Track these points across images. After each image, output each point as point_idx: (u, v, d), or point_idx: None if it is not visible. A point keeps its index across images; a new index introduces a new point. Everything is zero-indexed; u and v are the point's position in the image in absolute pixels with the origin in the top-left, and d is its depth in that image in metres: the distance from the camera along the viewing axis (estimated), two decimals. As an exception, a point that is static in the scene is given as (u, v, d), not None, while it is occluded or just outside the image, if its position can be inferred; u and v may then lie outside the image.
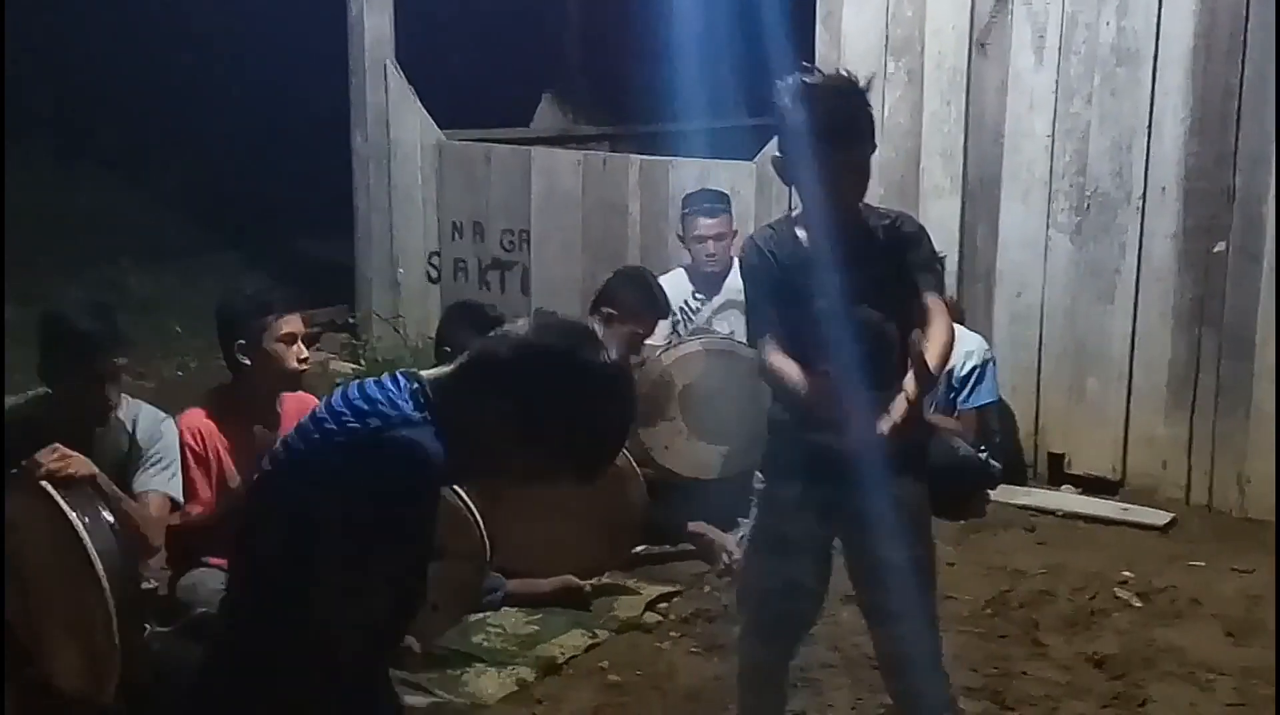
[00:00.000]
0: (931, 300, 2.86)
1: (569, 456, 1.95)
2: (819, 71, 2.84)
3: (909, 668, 2.91)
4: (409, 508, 1.89)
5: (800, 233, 2.86)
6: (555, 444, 1.93)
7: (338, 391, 1.99)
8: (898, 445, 2.78)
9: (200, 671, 2.05)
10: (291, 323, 3.71)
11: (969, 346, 5.11)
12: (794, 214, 2.93)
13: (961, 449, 5.03)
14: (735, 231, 5.48)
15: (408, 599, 2.00)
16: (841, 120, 2.72)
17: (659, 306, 4.93)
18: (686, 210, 5.56)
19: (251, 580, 1.97)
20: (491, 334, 1.98)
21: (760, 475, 3.02)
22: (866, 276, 2.79)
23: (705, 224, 5.41)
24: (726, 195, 5.64)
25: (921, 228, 2.96)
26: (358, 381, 2.01)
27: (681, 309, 5.46)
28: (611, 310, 4.79)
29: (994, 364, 5.22)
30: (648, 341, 5.37)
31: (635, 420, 2.01)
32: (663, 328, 5.41)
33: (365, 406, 1.91)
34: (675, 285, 5.46)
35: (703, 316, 5.48)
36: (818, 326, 2.78)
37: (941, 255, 3.51)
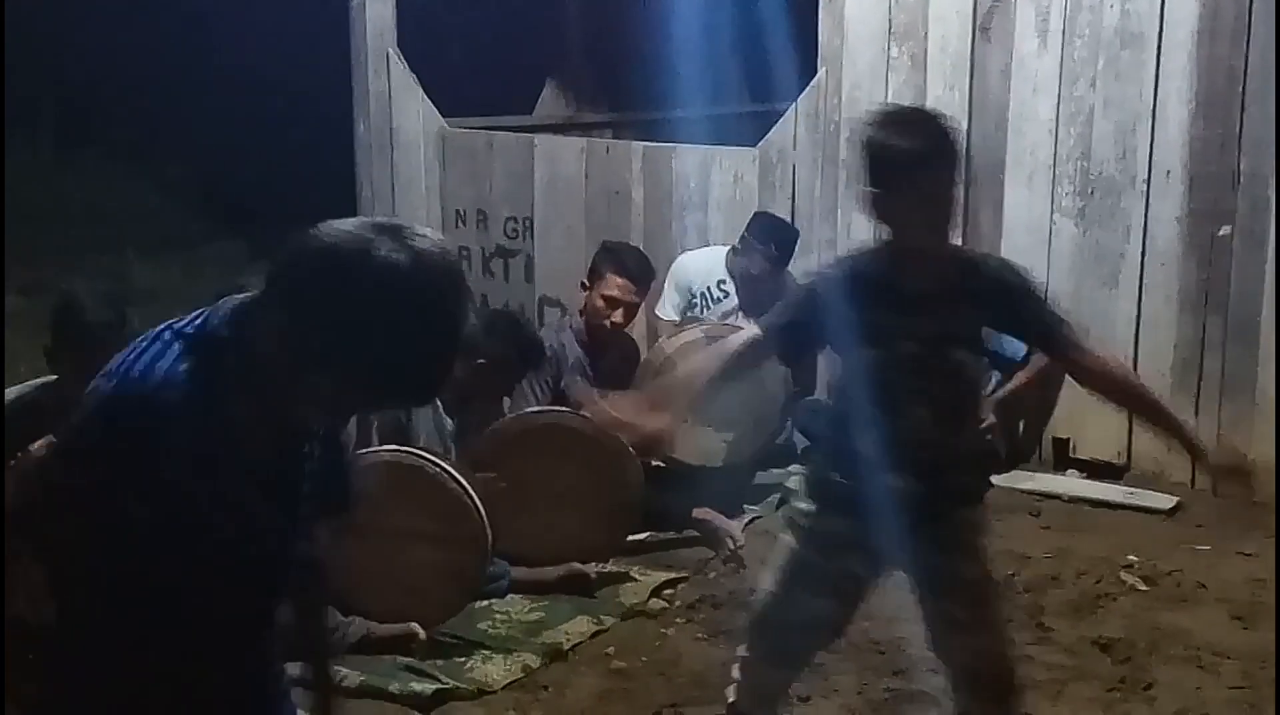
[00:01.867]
0: (1060, 332, 2.72)
1: (377, 373, 1.63)
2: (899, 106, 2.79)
3: (992, 682, 2.84)
4: (154, 456, 1.65)
5: (887, 269, 2.70)
6: (358, 360, 1.61)
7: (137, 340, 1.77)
8: (965, 477, 2.76)
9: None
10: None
11: None
12: (880, 248, 2.76)
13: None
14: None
15: (218, 565, 1.74)
16: (928, 155, 2.60)
17: (629, 270, 4.91)
18: (754, 237, 5.37)
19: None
20: (291, 241, 1.70)
21: (805, 505, 2.87)
22: (953, 317, 2.67)
23: (759, 269, 5.27)
24: (794, 235, 5.48)
25: (1015, 265, 2.81)
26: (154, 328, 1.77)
27: (706, 291, 5.42)
28: (585, 280, 4.96)
29: None
30: (657, 313, 5.39)
31: (455, 324, 1.65)
32: (677, 304, 5.40)
33: (115, 367, 1.70)
34: (709, 264, 5.43)
35: (725, 306, 5.42)
36: (895, 368, 2.67)
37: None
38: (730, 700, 3.04)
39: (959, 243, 2.89)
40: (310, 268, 1.62)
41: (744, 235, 5.37)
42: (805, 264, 5.67)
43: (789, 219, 5.70)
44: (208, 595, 1.76)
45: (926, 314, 2.66)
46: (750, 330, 2.94)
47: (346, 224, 1.67)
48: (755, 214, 5.53)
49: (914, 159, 2.59)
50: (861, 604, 2.97)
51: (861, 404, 2.72)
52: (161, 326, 1.74)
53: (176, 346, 1.68)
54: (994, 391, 5.22)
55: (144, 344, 1.71)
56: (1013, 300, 2.71)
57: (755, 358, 2.96)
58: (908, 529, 2.72)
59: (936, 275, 2.69)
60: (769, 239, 5.27)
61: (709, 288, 5.44)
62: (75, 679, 1.77)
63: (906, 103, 5.47)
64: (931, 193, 2.62)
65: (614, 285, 4.86)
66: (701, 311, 5.39)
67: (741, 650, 3.02)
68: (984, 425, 4.92)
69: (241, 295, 1.74)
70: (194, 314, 1.74)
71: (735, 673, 3.01)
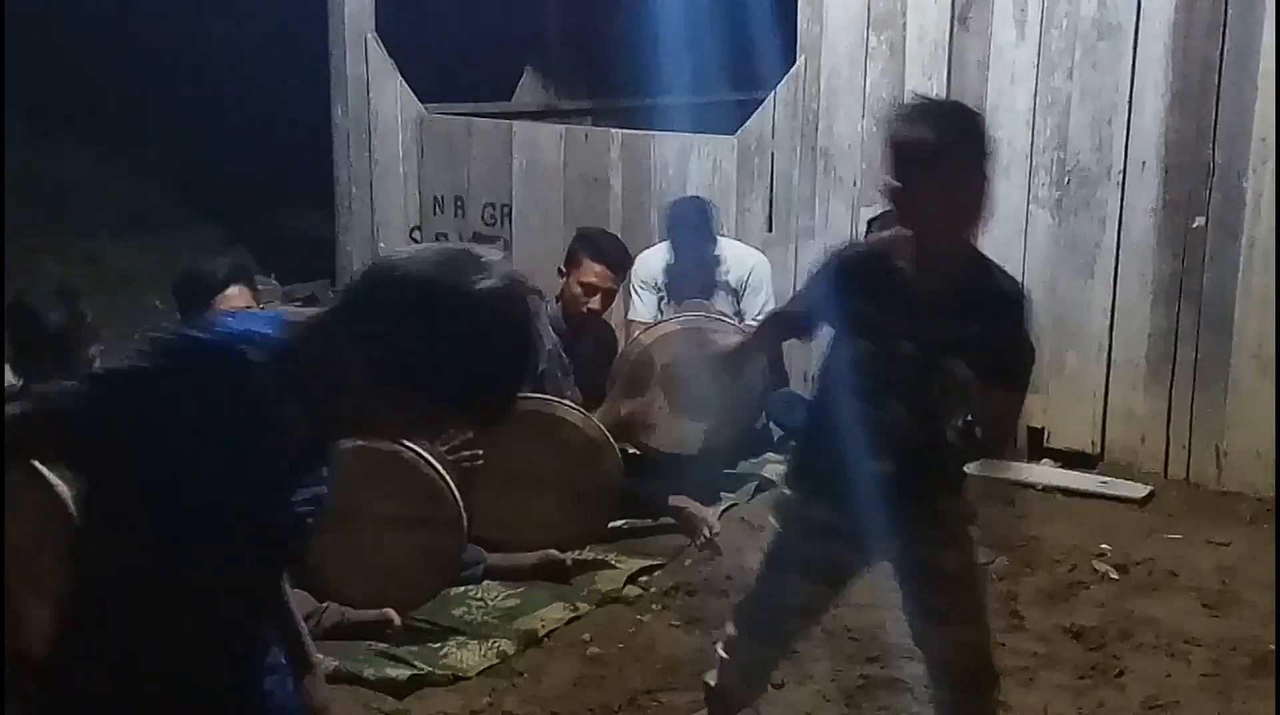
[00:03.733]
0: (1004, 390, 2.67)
1: (453, 397, 1.69)
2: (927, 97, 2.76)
3: (969, 672, 2.85)
4: (207, 419, 1.67)
5: (902, 263, 2.64)
6: (434, 385, 1.67)
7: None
8: (948, 470, 2.76)
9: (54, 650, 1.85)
10: (229, 301, 3.61)
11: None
12: (898, 238, 2.69)
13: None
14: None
15: (236, 543, 1.77)
16: (962, 149, 2.53)
17: (606, 256, 4.90)
18: (670, 223, 5.44)
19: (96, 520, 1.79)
20: (369, 264, 1.75)
21: (789, 490, 2.89)
22: (958, 328, 2.61)
23: (686, 248, 5.33)
24: (708, 209, 5.52)
25: (1022, 311, 2.68)
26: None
27: (664, 284, 5.43)
28: (562, 266, 4.93)
29: None
30: (632, 318, 5.38)
31: (529, 353, 1.73)
32: (650, 303, 5.41)
33: (203, 325, 1.76)
34: (655, 259, 5.44)
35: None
36: (891, 365, 2.65)
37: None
38: (711, 684, 3.06)
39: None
40: (404, 293, 1.67)
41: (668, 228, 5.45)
42: (782, 254, 5.70)
43: (767, 206, 5.71)
44: (221, 569, 1.78)
45: (929, 318, 2.61)
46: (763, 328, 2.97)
47: (432, 251, 1.73)
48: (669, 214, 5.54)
49: (932, 151, 2.51)
50: (844, 589, 2.99)
51: (845, 393, 2.72)
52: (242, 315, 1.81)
53: (264, 327, 1.73)
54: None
55: (226, 317, 1.78)
56: (995, 334, 2.63)
57: (785, 327, 3.04)
58: (889, 517, 2.72)
59: (949, 279, 2.62)
60: (671, 225, 5.35)
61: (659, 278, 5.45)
62: (84, 654, 1.79)
63: (885, 94, 5.50)
64: (951, 188, 2.52)
65: (591, 272, 4.85)
66: (668, 301, 5.38)
67: (728, 629, 3.04)
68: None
69: (308, 309, 1.81)
70: (269, 312, 1.81)
71: (720, 651, 3.03)
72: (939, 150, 2.51)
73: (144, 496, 1.71)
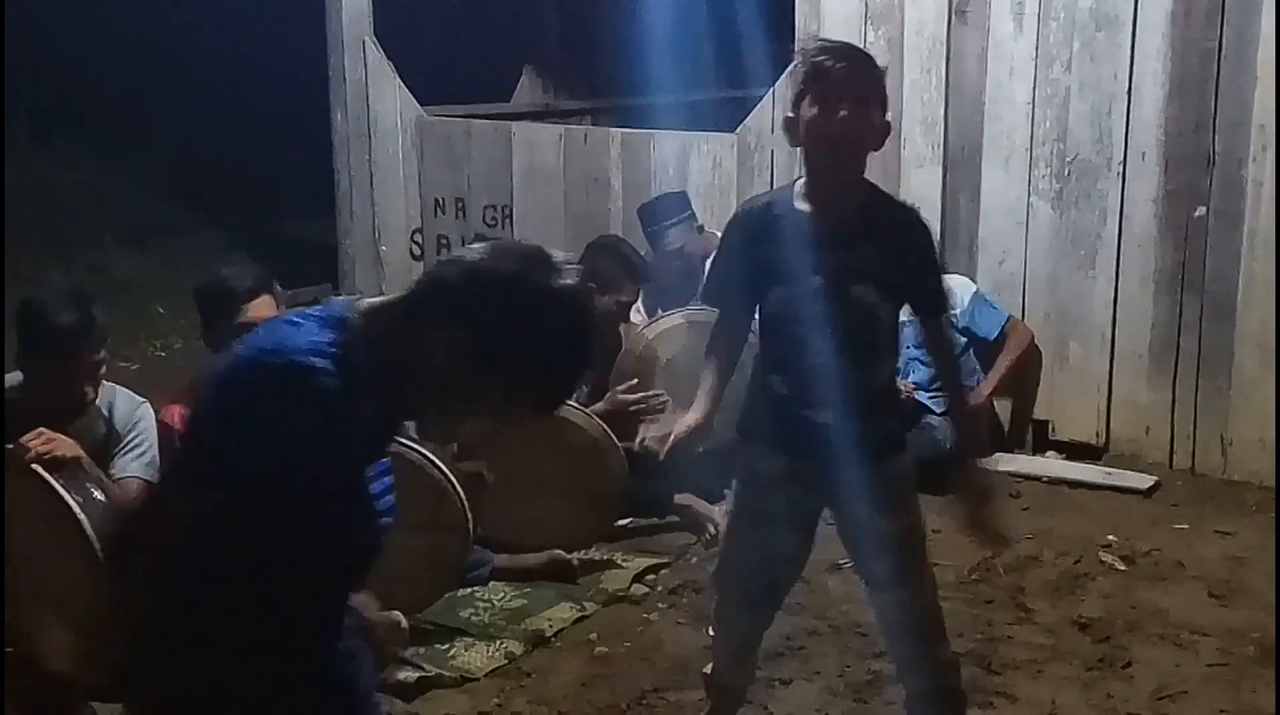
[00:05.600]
0: (934, 327, 2.85)
1: (520, 388, 1.80)
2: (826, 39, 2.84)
3: (913, 632, 2.90)
4: (295, 440, 1.74)
5: (800, 205, 2.76)
6: (509, 373, 1.77)
7: (258, 331, 1.86)
8: (882, 421, 2.80)
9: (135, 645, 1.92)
10: (256, 310, 3.58)
11: (957, 290, 5.18)
12: (796, 184, 2.81)
13: (948, 442, 5.04)
14: (701, 227, 5.46)
15: (336, 543, 1.87)
16: (839, 74, 2.65)
17: (636, 271, 4.92)
18: (646, 228, 5.49)
19: (178, 534, 1.84)
20: (441, 258, 1.85)
21: (742, 448, 2.96)
22: (865, 256, 2.72)
23: (665, 246, 5.35)
24: (681, 197, 5.55)
25: (929, 235, 2.83)
26: (279, 319, 1.88)
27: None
28: (590, 283, 4.80)
29: (982, 295, 5.28)
30: (633, 314, 5.38)
31: (593, 350, 1.84)
32: (649, 305, 5.41)
33: (264, 337, 1.80)
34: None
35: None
36: (806, 303, 2.72)
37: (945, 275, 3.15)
38: (707, 672, 3.10)
39: (935, 232, 2.89)
40: (486, 285, 1.77)
41: (646, 233, 5.48)
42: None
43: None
44: (338, 574, 1.91)
45: (834, 250, 2.71)
46: (718, 328, 2.98)
47: (505, 248, 1.84)
48: (639, 213, 5.56)
49: (819, 80, 2.65)
50: (812, 538, 2.99)
51: (778, 341, 2.80)
52: (292, 314, 1.85)
53: (324, 331, 1.77)
54: (973, 371, 5.25)
55: (282, 326, 1.81)
56: (909, 261, 2.76)
57: (729, 338, 2.98)
58: (833, 465, 2.79)
59: (845, 210, 2.73)
60: (658, 219, 5.37)
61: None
62: (186, 643, 1.85)
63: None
64: (837, 117, 2.64)
65: (632, 292, 4.85)
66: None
67: (712, 607, 3.09)
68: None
69: (370, 299, 1.85)
70: (319, 309, 1.85)
71: (710, 631, 3.09)
72: (818, 74, 2.66)
73: (250, 508, 1.77)
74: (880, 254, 2.73)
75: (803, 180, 2.78)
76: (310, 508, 1.79)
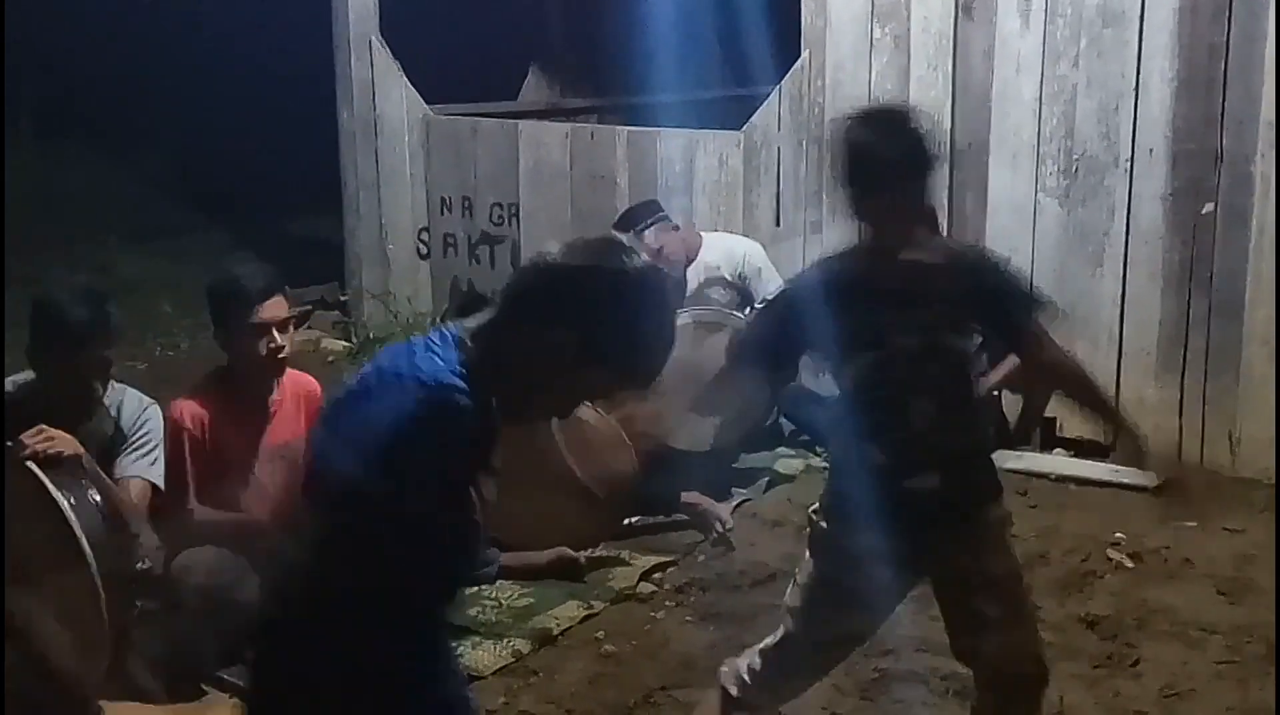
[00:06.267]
0: (1028, 330, 2.70)
1: (625, 366, 1.97)
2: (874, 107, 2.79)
3: (1021, 675, 2.79)
4: (438, 464, 1.88)
5: (867, 267, 2.71)
6: (611, 357, 1.93)
7: (384, 355, 2.01)
8: (982, 472, 2.76)
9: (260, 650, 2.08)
10: (269, 310, 3.62)
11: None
12: (854, 248, 2.79)
13: None
14: (676, 227, 5.44)
15: (463, 552, 2.02)
16: (881, 153, 2.61)
17: None
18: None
19: (312, 550, 1.97)
20: (522, 266, 2.00)
21: (825, 522, 2.81)
22: (942, 305, 2.65)
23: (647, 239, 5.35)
24: (652, 202, 5.56)
25: (993, 257, 2.84)
26: (402, 344, 2.02)
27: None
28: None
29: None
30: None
31: (674, 320, 2.02)
32: None
33: (405, 363, 1.93)
34: None
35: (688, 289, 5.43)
36: (897, 365, 2.67)
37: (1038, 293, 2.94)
38: (734, 694, 2.95)
39: (943, 232, 2.87)
40: (578, 281, 1.93)
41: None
42: (790, 248, 5.69)
43: (774, 201, 5.71)
44: (459, 580, 2.08)
45: (910, 308, 2.64)
46: (733, 361, 2.95)
47: (585, 242, 1.99)
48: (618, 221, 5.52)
49: (890, 164, 2.60)
50: (889, 614, 2.91)
51: (864, 409, 2.70)
52: (419, 348, 1.98)
53: (450, 354, 1.93)
54: (984, 373, 5.24)
55: (418, 351, 1.95)
56: (986, 300, 2.69)
57: (735, 376, 2.97)
58: (936, 532, 2.70)
59: (915, 271, 2.66)
60: (632, 223, 5.33)
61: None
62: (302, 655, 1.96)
63: (890, 86, 5.49)
64: (907, 194, 2.63)
65: None
66: None
67: (766, 649, 2.91)
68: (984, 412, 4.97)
69: (467, 322, 1.98)
70: (436, 334, 1.99)
71: (754, 662, 2.92)
72: (893, 162, 2.60)
73: (391, 526, 1.88)
74: (950, 305, 2.66)
75: (865, 245, 2.75)
76: (453, 520, 1.93)
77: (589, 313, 1.91)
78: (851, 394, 2.74)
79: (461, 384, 1.89)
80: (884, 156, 2.60)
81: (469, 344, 1.95)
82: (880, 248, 2.69)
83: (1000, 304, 2.71)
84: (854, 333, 2.68)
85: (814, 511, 2.86)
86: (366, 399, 1.94)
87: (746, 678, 2.93)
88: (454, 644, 2.20)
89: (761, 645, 2.93)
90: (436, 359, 1.92)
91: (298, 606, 1.98)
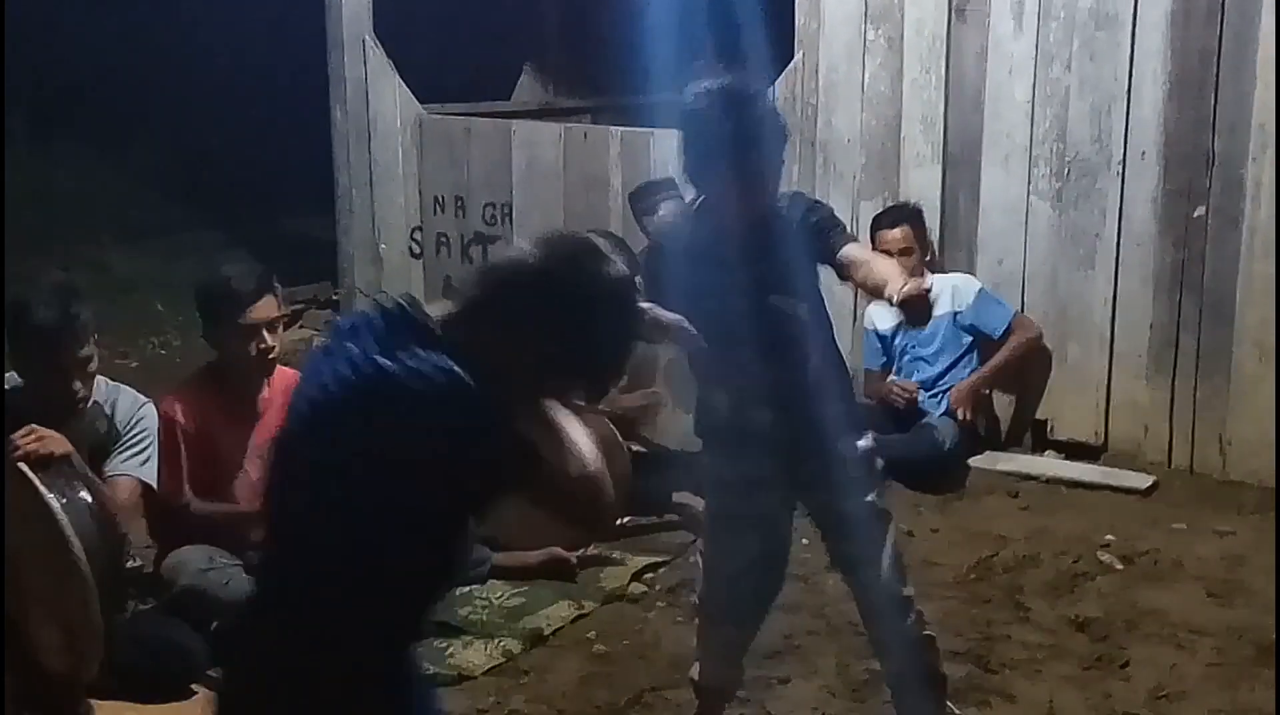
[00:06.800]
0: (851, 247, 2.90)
1: (586, 370, 1.97)
2: (709, 81, 2.84)
3: (886, 611, 2.97)
4: (462, 449, 1.85)
5: (707, 228, 2.89)
6: (573, 361, 1.93)
7: (344, 355, 1.91)
8: (832, 407, 2.89)
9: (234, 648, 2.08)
10: (259, 311, 3.62)
11: (963, 287, 5.25)
12: (699, 204, 2.95)
13: (947, 442, 5.04)
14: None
15: (451, 548, 2.00)
16: (727, 133, 2.74)
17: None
18: (635, 209, 5.51)
19: (291, 544, 1.95)
20: (490, 262, 1.98)
21: (704, 456, 3.05)
22: (770, 265, 2.83)
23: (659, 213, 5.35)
24: (669, 180, 5.57)
25: (809, 198, 3.04)
26: (354, 324, 1.94)
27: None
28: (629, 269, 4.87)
29: (988, 292, 5.30)
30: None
31: (641, 323, 2.06)
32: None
33: (423, 367, 1.85)
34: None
35: None
36: (729, 321, 2.81)
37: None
38: (695, 677, 3.14)
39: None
40: (533, 284, 1.89)
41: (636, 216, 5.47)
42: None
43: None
44: (446, 576, 2.02)
45: (747, 264, 2.81)
46: None
47: (559, 241, 1.96)
48: (630, 196, 5.56)
49: (713, 140, 2.74)
50: (785, 545, 3.08)
51: (714, 353, 2.84)
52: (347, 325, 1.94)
53: (429, 345, 1.86)
54: (974, 369, 5.26)
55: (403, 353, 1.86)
56: (806, 234, 2.86)
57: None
58: (788, 465, 2.90)
59: (744, 233, 2.83)
60: (642, 198, 5.34)
61: None
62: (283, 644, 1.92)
63: (883, 87, 5.50)
64: (736, 169, 2.76)
65: None
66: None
67: (697, 619, 3.15)
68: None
69: (440, 307, 1.94)
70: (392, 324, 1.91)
71: (696, 641, 3.13)
72: (717, 140, 2.74)
73: (369, 519, 1.85)
74: (782, 254, 2.84)
75: (704, 204, 2.95)
76: (452, 511, 1.94)
77: (555, 316, 1.89)
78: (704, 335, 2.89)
79: (467, 376, 1.83)
80: (715, 132, 2.74)
81: (439, 333, 1.89)
82: (715, 214, 2.86)
83: (818, 235, 2.88)
84: (698, 284, 2.82)
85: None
86: (367, 407, 1.84)
87: (695, 655, 3.13)
88: (420, 653, 2.12)
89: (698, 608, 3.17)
90: (430, 353, 1.84)
91: (271, 606, 1.96)
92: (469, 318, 1.91)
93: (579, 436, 1.96)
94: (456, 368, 1.82)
